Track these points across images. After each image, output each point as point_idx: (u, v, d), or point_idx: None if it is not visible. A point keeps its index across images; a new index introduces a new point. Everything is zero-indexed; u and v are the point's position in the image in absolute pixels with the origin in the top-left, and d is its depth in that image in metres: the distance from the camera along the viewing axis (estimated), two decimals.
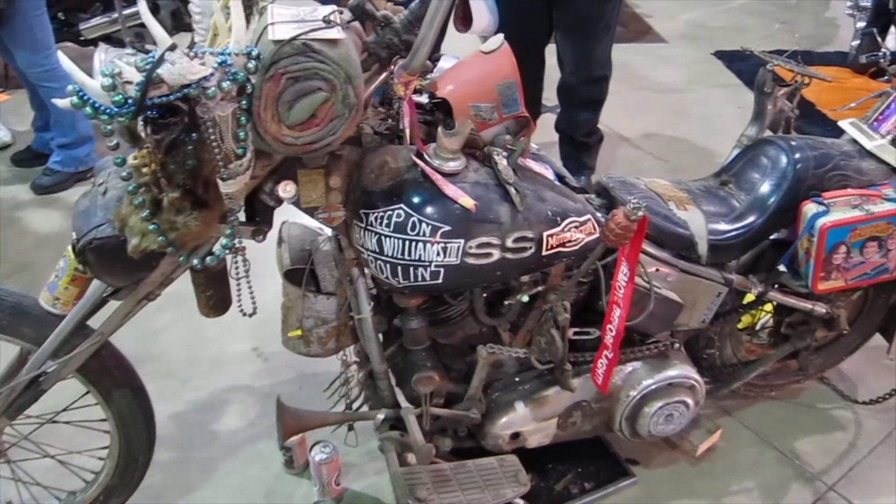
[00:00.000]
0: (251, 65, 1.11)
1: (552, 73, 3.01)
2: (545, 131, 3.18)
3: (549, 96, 3.17)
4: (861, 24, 4.29)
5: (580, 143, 2.99)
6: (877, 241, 1.75)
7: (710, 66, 4.49)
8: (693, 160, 3.42)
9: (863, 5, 4.30)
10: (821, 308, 1.95)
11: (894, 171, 1.87)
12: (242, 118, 1.14)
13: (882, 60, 4.01)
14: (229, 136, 1.14)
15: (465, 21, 2.77)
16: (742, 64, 4.31)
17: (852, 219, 1.71)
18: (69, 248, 1.43)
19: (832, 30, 5.04)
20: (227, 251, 1.30)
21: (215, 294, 1.51)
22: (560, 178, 1.63)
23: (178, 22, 4.20)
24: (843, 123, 1.99)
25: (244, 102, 1.14)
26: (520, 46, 2.84)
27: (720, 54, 4.57)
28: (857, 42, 4.32)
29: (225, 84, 1.09)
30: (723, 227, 1.74)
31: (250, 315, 1.49)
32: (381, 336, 1.69)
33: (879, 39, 4.13)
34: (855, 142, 1.92)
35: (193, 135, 1.15)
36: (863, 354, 2.28)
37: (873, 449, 2.17)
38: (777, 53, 2.17)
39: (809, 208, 1.74)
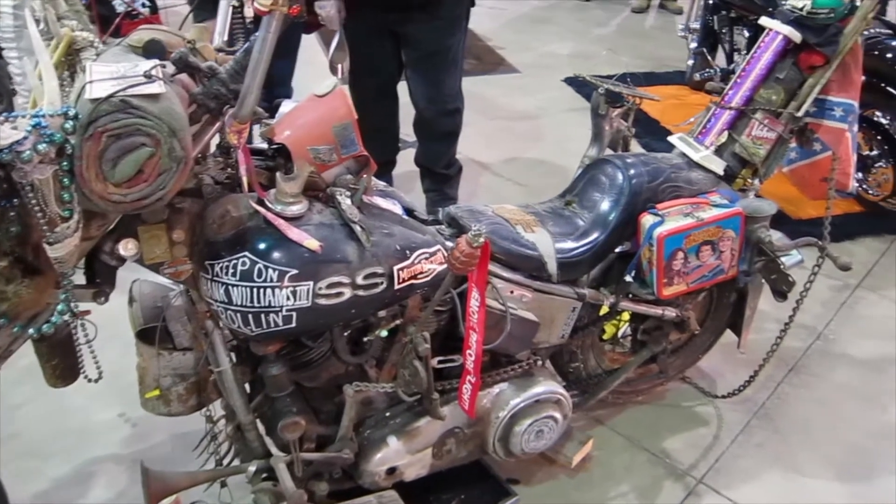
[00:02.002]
0: (69, 125, 1.09)
1: (411, 110, 3.07)
2: (407, 166, 3.24)
3: (409, 132, 3.23)
4: (693, 45, 4.61)
5: (440, 175, 3.06)
6: (710, 245, 1.88)
7: (560, 92, 4.71)
8: (551, 182, 3.53)
9: (693, 27, 4.64)
10: (670, 312, 2.07)
11: (720, 178, 2.03)
12: (65, 180, 1.11)
13: (715, 77, 4.35)
14: (52, 199, 1.11)
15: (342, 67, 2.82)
16: (590, 89, 4.51)
17: (685, 226, 1.83)
18: None
19: (673, 51, 5.39)
20: (65, 317, 1.26)
21: (61, 363, 1.45)
22: (409, 211, 1.67)
23: None
24: (672, 138, 2.14)
25: (65, 164, 1.11)
26: (372, 85, 2.94)
27: (570, 80, 4.80)
28: (692, 61, 4.63)
29: (41, 146, 1.06)
30: (569, 245, 1.82)
31: (95, 381, 1.43)
32: (247, 386, 1.67)
33: (710, 58, 4.50)
34: (684, 154, 2.06)
35: (14, 200, 1.11)
36: (718, 351, 2.42)
37: (734, 439, 2.31)
38: (609, 77, 2.32)
39: (647, 220, 1.86)
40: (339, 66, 2.76)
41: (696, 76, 4.41)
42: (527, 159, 3.91)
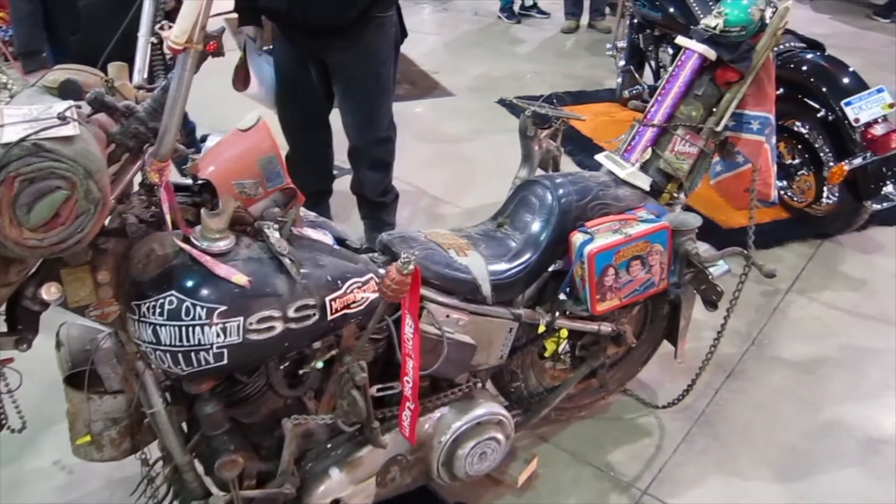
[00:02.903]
0: None
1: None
2: (345, 193, 3.23)
3: (345, 159, 3.23)
4: (621, 63, 4.72)
5: (377, 203, 3.06)
6: (639, 260, 1.92)
7: (494, 113, 4.76)
8: (488, 204, 3.57)
9: (620, 46, 4.75)
10: (606, 327, 2.11)
11: (647, 194, 2.08)
12: None
13: (644, 93, 4.46)
14: None
15: (244, 83, 2.82)
16: (523, 110, 4.60)
17: (614, 242, 1.87)
18: None
19: (603, 70, 5.53)
20: None
21: None
22: (340, 241, 1.67)
23: None
24: (599, 157, 2.19)
25: None
26: (303, 116, 2.94)
27: (503, 102, 4.86)
28: (620, 79, 4.74)
29: None
30: (502, 266, 1.84)
31: (19, 431, 1.39)
32: (184, 426, 1.64)
33: (637, 75, 4.62)
34: (611, 172, 2.11)
35: None
36: (657, 362, 2.46)
37: (676, 448, 2.35)
38: (537, 98, 2.36)
39: (577, 238, 1.89)
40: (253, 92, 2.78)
41: (626, 93, 4.52)
42: (464, 182, 3.94)
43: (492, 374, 2.04)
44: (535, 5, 7.04)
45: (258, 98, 2.85)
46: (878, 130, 3.06)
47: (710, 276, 1.99)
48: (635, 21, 4.52)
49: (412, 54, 5.59)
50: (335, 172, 3.25)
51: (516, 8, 6.97)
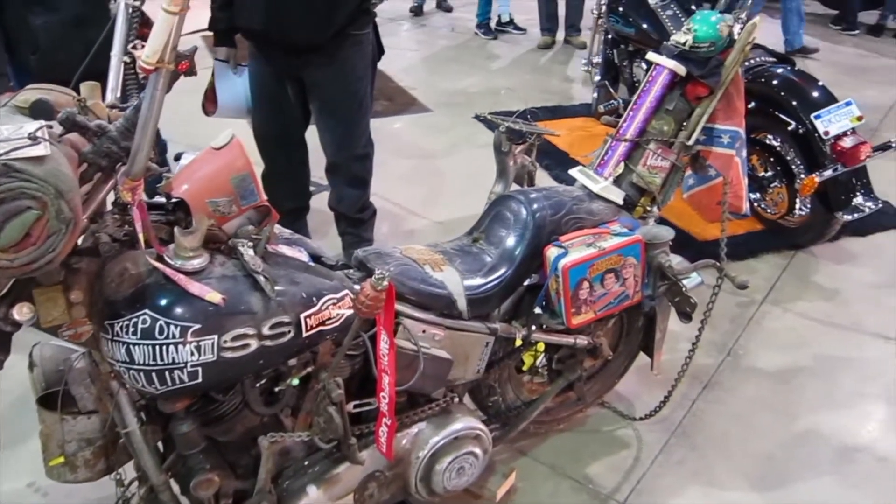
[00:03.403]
0: None
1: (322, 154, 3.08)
2: (324, 208, 3.23)
3: (323, 175, 3.23)
4: (596, 79, 4.77)
5: (355, 219, 3.06)
6: (613, 273, 1.94)
7: (471, 128, 4.79)
8: (464, 218, 3.59)
9: (595, 61, 4.80)
10: (582, 340, 2.12)
11: (620, 207, 2.10)
12: None
13: (619, 107, 4.50)
14: None
15: (215, 104, 2.83)
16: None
17: (588, 256, 1.88)
18: None
19: (579, 85, 5.59)
20: None
21: None
22: (316, 257, 1.67)
23: None
24: (573, 171, 2.21)
25: None
26: (279, 133, 2.94)
27: (478, 117, 4.89)
28: (596, 94, 4.79)
29: None
30: (478, 281, 1.86)
31: None
32: (160, 445, 1.63)
33: (612, 90, 4.66)
34: (585, 187, 2.13)
35: None
36: (634, 374, 2.48)
37: (654, 459, 2.36)
38: (511, 114, 2.38)
39: (552, 252, 1.91)
40: (211, 108, 2.79)
41: (601, 108, 4.56)
42: (442, 197, 3.96)
43: (469, 389, 2.05)
44: (511, 21, 7.10)
45: (228, 115, 2.86)
46: (847, 143, 3.11)
47: (683, 289, 2.01)
48: (610, 37, 4.57)
49: (389, 70, 5.62)
50: (312, 189, 3.26)
51: (493, 24, 7.02)
